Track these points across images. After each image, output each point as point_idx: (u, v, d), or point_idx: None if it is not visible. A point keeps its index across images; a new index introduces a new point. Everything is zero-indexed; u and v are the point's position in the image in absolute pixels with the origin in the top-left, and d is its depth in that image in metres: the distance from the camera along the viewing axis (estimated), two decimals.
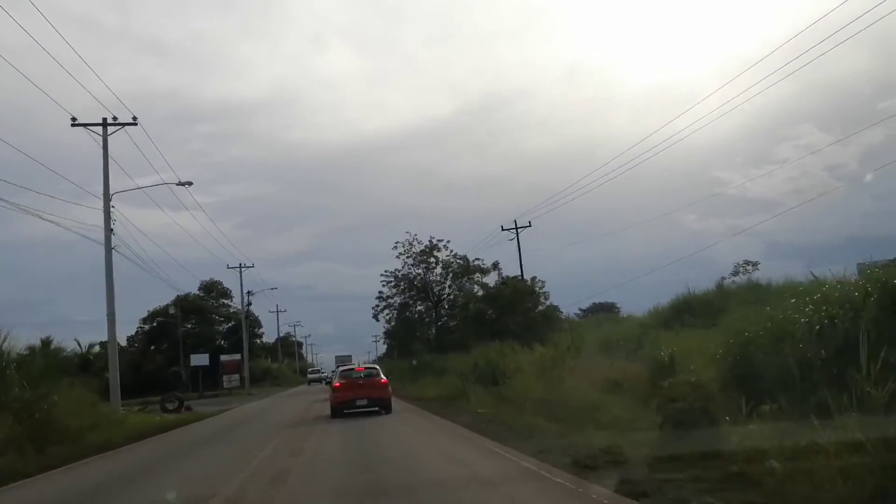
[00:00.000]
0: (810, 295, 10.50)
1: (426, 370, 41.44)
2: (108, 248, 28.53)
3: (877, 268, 11.24)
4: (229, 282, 76.84)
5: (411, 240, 52.69)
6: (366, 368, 26.62)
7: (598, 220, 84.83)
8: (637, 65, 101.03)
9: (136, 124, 29.07)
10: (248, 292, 70.56)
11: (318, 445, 15.67)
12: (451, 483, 9.44)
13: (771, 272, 29.38)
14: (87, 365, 50.86)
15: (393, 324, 56.26)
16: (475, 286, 51.33)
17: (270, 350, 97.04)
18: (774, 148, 79.71)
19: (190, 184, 33.22)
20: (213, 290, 78.30)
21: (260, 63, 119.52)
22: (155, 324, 74.17)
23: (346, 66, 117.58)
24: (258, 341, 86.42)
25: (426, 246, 52.75)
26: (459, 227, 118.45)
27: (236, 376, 64.36)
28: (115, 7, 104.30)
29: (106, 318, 28.87)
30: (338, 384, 24.42)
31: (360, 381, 24.10)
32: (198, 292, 76.75)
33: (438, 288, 53.78)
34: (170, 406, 35.82)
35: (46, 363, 21.67)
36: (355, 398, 23.30)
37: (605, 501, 7.38)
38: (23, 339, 23.40)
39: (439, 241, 52.81)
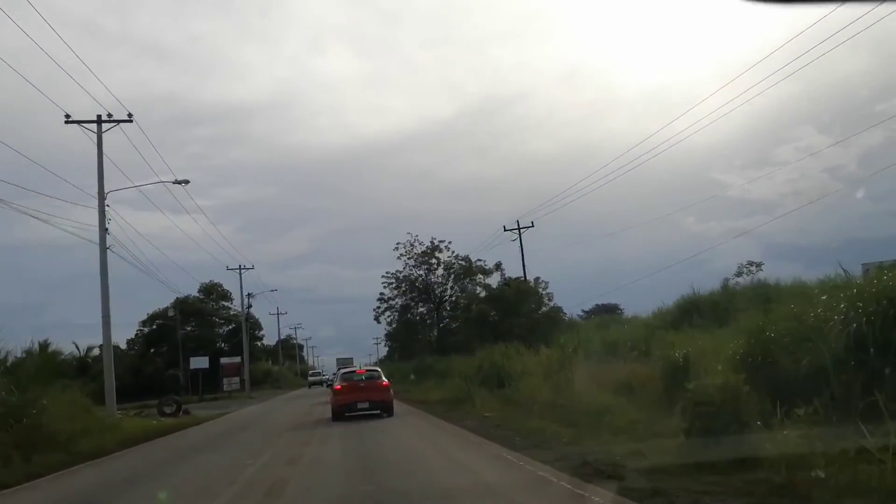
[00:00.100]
0: (844, 291, 9.79)
1: (428, 373, 40.81)
2: (103, 248, 28.01)
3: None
4: (229, 284, 76.19)
5: (412, 241, 52.16)
6: (367, 371, 26.21)
7: (598, 221, 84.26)
8: (637, 66, 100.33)
9: (131, 121, 28.61)
10: (249, 294, 70.04)
11: (317, 452, 14.99)
12: (461, 496, 8.76)
13: (770, 273, 28.92)
14: (86, 368, 50.28)
15: (394, 325, 55.68)
16: (477, 287, 50.76)
17: (271, 353, 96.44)
18: (774, 150, 79.04)
19: (187, 182, 32.81)
20: (212, 292, 77.54)
21: (259, 66, 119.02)
22: (154, 326, 73.46)
23: (345, 68, 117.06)
24: (258, 344, 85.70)
25: (427, 247, 52.20)
26: (460, 230, 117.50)
27: (236, 379, 63.65)
28: (115, 10, 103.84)
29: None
30: (339, 387, 23.87)
31: (362, 384, 23.65)
32: (197, 295, 76.01)
33: (440, 289, 53.22)
34: (167, 410, 35.13)
35: (37, 366, 20.94)
36: (357, 401, 22.78)
37: None
38: (21, 343, 22.97)
39: (441, 241, 52.27)
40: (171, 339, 68.56)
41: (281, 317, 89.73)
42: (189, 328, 73.01)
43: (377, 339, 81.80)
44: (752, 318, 13.77)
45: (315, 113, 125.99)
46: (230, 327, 77.72)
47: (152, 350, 72.68)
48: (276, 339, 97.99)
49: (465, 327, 45.89)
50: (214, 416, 32.57)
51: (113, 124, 28.39)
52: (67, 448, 17.11)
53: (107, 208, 28.29)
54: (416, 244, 52.13)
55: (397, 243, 52.54)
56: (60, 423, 18.15)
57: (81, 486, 12.69)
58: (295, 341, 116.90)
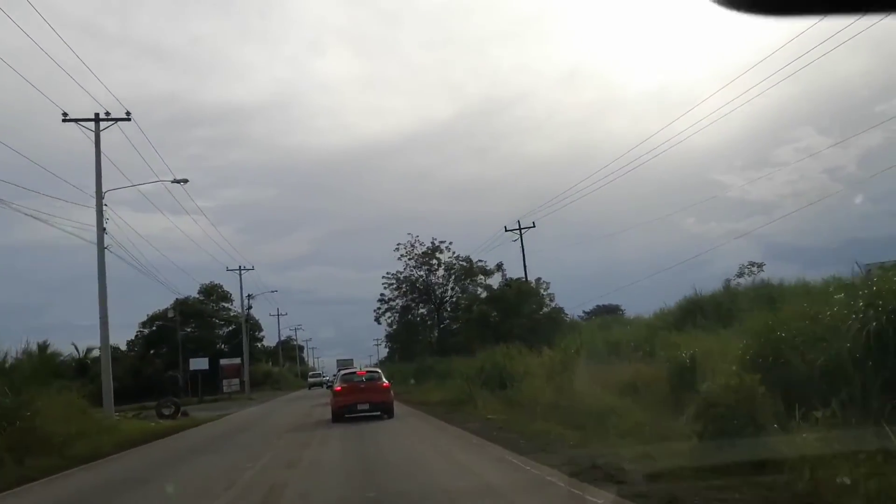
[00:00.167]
0: (862, 289, 9.47)
1: (429, 374, 40.48)
2: (101, 247, 27.75)
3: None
4: (229, 285, 75.85)
5: (413, 242, 51.85)
6: (367, 372, 25.95)
7: (598, 222, 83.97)
8: (637, 67, 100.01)
9: (129, 119, 28.33)
10: (249, 296, 69.76)
11: (317, 454, 14.68)
12: (462, 498, 8.43)
13: (770, 274, 28.77)
14: (85, 370, 49.96)
15: (395, 327, 55.38)
16: (478, 288, 50.47)
17: (271, 354, 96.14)
18: (774, 150, 78.69)
19: (185, 181, 32.58)
20: (212, 293, 77.21)
21: (259, 67, 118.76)
22: (154, 328, 73.12)
23: (345, 69, 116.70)
24: (259, 345, 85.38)
25: (428, 248, 51.90)
26: (460, 231, 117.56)
27: (236, 380, 63.29)
28: (115, 11, 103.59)
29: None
30: (339, 388, 23.58)
31: (362, 385, 23.40)
32: (197, 296, 75.67)
33: (441, 290, 52.91)
34: (166, 411, 34.82)
35: (33, 368, 20.63)
36: (357, 402, 22.51)
37: None
38: (20, 344, 22.72)
39: (441, 242, 51.97)
40: (170, 341, 68.19)
41: (281, 318, 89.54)
42: (189, 329, 72.62)
43: (377, 340, 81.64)
44: (759, 318, 13.50)
45: (315, 114, 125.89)
46: (230, 328, 77.37)
47: (152, 351, 72.33)
48: (277, 340, 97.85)
49: (465, 328, 45.57)
50: (214, 417, 32.26)
51: (111, 123, 28.15)
52: (62, 451, 16.77)
53: (105, 208, 28.10)
54: (417, 245, 51.87)
55: (398, 244, 52.27)
56: (56, 425, 17.83)
57: (75, 490, 12.37)
58: (295, 342, 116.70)
